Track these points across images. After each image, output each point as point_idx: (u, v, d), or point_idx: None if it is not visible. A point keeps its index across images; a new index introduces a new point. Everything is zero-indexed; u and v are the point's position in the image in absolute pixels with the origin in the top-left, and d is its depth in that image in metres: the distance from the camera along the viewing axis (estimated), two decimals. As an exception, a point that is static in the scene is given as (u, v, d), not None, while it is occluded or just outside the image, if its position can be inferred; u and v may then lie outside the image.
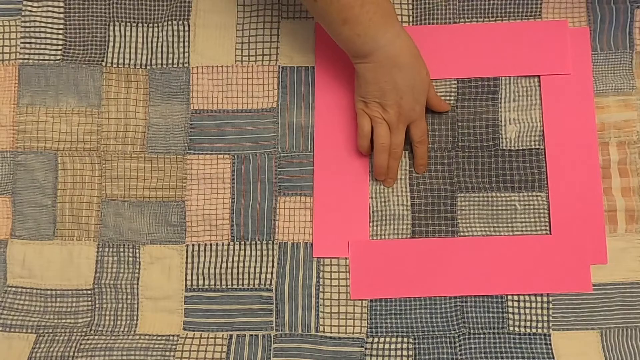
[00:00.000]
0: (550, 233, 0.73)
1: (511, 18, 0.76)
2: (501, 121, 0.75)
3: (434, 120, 0.75)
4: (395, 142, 0.72)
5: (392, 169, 0.73)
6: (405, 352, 0.70)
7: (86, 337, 0.72)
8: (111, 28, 0.77)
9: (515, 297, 0.72)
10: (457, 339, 0.71)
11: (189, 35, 0.77)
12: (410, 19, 0.76)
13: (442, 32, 0.76)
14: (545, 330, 0.71)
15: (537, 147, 0.74)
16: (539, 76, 0.75)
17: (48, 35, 0.77)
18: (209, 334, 0.72)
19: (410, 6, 0.76)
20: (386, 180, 0.74)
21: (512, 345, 0.70)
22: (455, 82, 0.75)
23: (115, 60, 0.77)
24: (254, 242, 0.74)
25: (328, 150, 0.75)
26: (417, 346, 0.71)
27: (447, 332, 0.71)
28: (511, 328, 0.71)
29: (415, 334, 0.71)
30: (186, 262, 0.74)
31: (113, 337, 0.72)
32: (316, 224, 0.74)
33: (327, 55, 0.76)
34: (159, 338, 0.72)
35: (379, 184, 0.74)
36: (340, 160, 0.75)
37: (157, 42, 0.77)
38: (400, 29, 0.68)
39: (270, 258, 0.73)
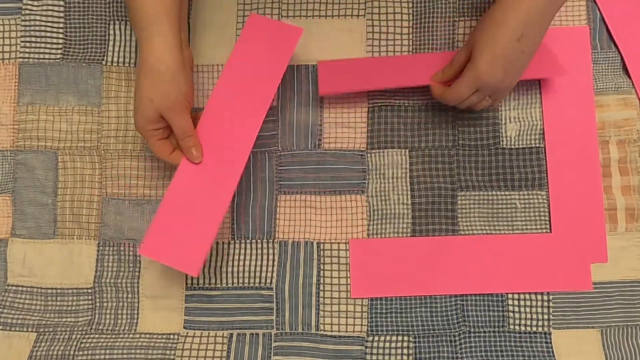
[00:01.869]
0: (551, 231, 0.73)
1: (511, 17, 0.76)
2: (501, 120, 0.75)
3: (434, 119, 0.75)
4: None
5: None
6: (405, 351, 0.70)
7: (87, 336, 0.72)
8: (111, 27, 0.77)
9: (516, 296, 0.72)
10: (457, 338, 0.71)
11: (188, 35, 0.77)
12: (410, 18, 0.76)
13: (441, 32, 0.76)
14: (545, 329, 0.71)
15: (538, 145, 0.74)
16: (539, 75, 0.75)
17: (48, 34, 0.77)
18: (209, 333, 0.72)
19: (411, 4, 0.76)
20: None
21: (513, 344, 0.70)
22: (456, 81, 0.75)
23: (115, 59, 0.77)
24: (255, 241, 0.74)
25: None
26: (417, 345, 0.71)
27: (448, 331, 0.71)
28: (511, 327, 0.71)
29: (416, 333, 0.71)
30: (186, 261, 0.74)
31: (113, 336, 0.72)
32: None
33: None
34: (160, 337, 0.72)
35: (380, 183, 0.74)
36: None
37: (158, 41, 0.77)
38: (151, 41, 0.64)
39: (271, 257, 0.73)
